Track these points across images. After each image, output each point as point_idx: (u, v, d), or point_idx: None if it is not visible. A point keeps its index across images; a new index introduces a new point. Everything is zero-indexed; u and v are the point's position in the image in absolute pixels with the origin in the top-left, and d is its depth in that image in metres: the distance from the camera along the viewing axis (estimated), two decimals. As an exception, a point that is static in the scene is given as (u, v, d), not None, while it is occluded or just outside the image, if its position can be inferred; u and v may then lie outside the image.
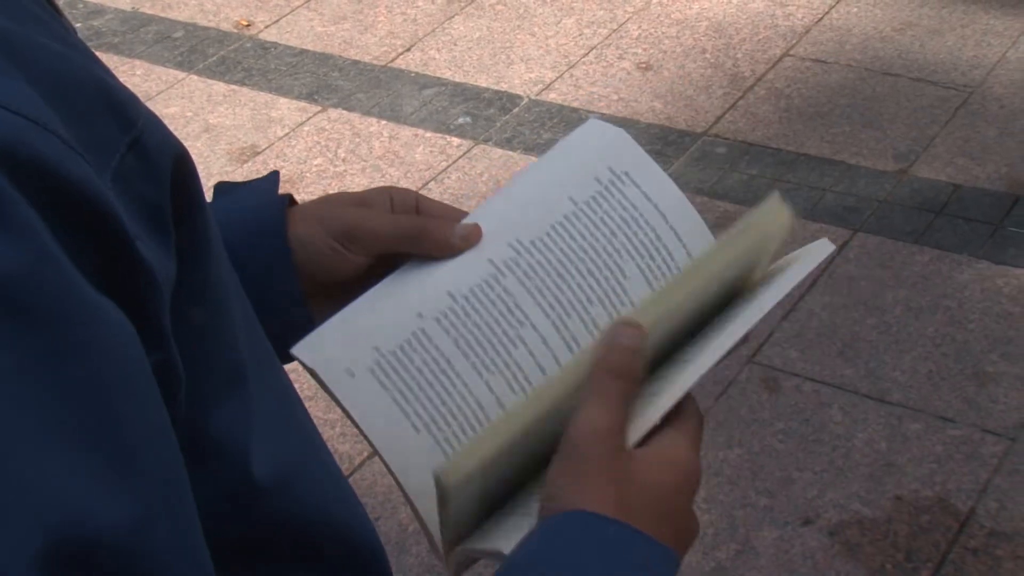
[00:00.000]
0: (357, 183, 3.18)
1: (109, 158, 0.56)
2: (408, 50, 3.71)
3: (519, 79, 3.53)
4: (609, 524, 0.66)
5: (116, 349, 0.53)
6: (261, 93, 3.58)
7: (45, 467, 0.48)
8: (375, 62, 3.67)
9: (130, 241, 0.54)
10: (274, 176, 0.90)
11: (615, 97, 3.41)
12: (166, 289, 0.57)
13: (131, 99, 0.59)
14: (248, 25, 3.92)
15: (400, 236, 0.84)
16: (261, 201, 0.88)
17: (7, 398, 0.48)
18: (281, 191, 0.88)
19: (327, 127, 3.42)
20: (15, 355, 0.49)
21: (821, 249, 0.85)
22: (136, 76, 3.68)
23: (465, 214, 0.87)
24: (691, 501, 0.72)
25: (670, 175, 0.91)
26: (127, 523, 0.51)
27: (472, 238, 0.82)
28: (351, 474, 2.44)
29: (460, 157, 3.26)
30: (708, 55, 3.54)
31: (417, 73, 3.60)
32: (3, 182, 0.49)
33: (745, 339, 0.80)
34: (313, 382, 0.81)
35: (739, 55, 3.52)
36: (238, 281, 0.70)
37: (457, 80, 3.55)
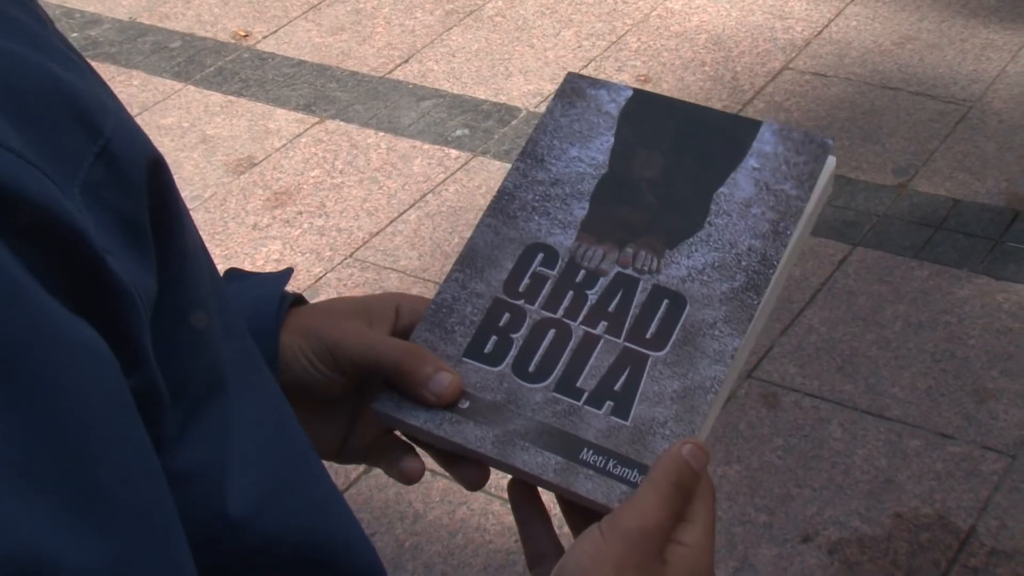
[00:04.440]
0: (354, 194, 3.16)
1: (76, 169, 0.52)
2: (406, 61, 3.70)
3: (517, 91, 3.52)
4: None
5: (86, 378, 0.49)
6: (258, 104, 3.57)
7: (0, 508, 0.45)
8: (373, 73, 3.66)
9: (100, 259, 0.50)
10: (287, 273, 0.87)
11: (614, 110, 3.40)
12: (145, 305, 0.54)
13: (98, 104, 0.55)
14: (246, 36, 3.91)
15: (375, 365, 0.81)
16: (263, 294, 0.84)
17: None
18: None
19: (325, 138, 3.41)
20: None
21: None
22: (133, 87, 3.66)
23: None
24: None
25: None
26: (96, 564, 0.48)
27: (446, 395, 0.79)
28: (347, 488, 2.42)
29: (458, 169, 3.25)
30: (707, 68, 3.53)
31: (415, 84, 3.59)
32: None
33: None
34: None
35: (738, 68, 3.51)
36: (220, 288, 0.67)
37: (455, 92, 3.54)
